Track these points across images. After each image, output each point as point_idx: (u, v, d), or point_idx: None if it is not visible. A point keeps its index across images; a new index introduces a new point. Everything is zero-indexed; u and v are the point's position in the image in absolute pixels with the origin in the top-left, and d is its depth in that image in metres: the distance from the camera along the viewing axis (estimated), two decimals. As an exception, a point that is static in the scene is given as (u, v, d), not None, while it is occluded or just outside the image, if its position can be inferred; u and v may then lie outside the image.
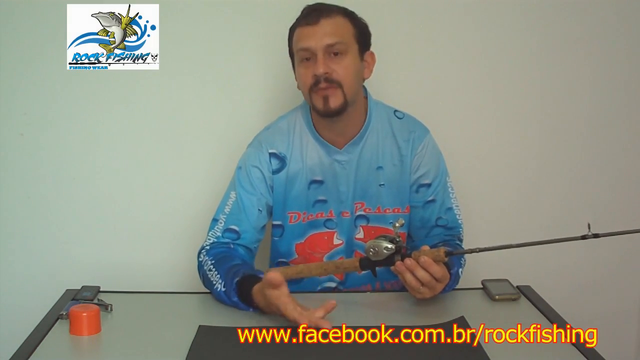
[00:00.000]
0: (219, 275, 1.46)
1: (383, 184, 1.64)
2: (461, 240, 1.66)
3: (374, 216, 1.66)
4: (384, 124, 1.65)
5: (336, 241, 1.66)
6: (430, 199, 1.65)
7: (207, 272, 1.49)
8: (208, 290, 1.50)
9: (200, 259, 1.54)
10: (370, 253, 1.40)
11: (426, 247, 1.40)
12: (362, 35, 1.59)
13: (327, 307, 1.29)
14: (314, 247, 1.66)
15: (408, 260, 1.36)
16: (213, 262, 1.50)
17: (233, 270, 1.44)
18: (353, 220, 1.66)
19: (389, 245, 1.38)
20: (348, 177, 1.63)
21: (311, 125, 1.63)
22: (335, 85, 1.52)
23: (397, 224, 1.39)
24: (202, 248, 1.56)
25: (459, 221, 1.67)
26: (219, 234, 1.57)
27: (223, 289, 1.43)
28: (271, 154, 1.62)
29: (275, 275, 1.30)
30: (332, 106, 1.53)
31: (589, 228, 1.25)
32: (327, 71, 1.52)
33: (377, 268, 1.43)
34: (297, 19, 1.58)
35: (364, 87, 1.64)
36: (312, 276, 1.50)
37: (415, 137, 1.65)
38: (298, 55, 1.56)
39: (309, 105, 1.60)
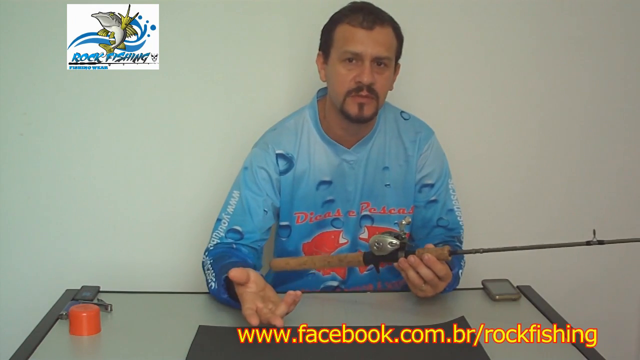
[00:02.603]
0: (214, 274, 1.45)
1: (389, 184, 1.64)
2: (461, 242, 1.66)
3: (379, 216, 1.66)
4: (391, 124, 1.65)
5: (342, 240, 1.66)
6: (432, 199, 1.66)
7: (206, 272, 1.49)
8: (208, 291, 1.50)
9: (202, 260, 1.54)
10: (375, 248, 1.40)
11: (430, 245, 1.40)
12: (400, 49, 1.59)
13: (288, 300, 1.28)
14: (320, 246, 1.65)
15: (412, 257, 1.36)
16: (211, 261, 1.50)
17: (226, 268, 1.43)
18: (358, 220, 1.65)
19: (394, 241, 1.38)
20: (356, 177, 1.63)
21: (319, 126, 1.62)
22: (373, 96, 1.52)
23: (403, 222, 1.39)
24: (207, 249, 1.56)
25: (460, 223, 1.67)
26: (222, 234, 1.57)
27: (215, 287, 1.43)
28: (278, 155, 1.61)
29: (237, 273, 1.30)
30: (366, 114, 1.53)
31: (594, 234, 1.25)
32: (373, 82, 1.51)
33: (380, 268, 1.43)
34: (344, 14, 1.54)
35: None
36: (315, 268, 1.49)
37: (422, 137, 1.66)
38: (343, 55, 1.53)
39: (324, 103, 1.61)
